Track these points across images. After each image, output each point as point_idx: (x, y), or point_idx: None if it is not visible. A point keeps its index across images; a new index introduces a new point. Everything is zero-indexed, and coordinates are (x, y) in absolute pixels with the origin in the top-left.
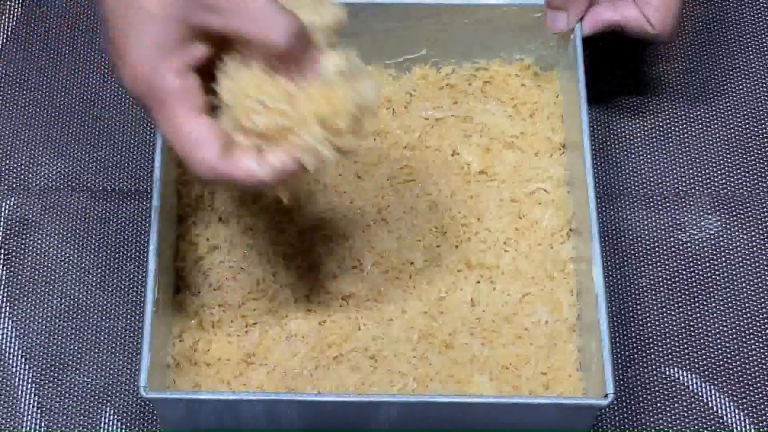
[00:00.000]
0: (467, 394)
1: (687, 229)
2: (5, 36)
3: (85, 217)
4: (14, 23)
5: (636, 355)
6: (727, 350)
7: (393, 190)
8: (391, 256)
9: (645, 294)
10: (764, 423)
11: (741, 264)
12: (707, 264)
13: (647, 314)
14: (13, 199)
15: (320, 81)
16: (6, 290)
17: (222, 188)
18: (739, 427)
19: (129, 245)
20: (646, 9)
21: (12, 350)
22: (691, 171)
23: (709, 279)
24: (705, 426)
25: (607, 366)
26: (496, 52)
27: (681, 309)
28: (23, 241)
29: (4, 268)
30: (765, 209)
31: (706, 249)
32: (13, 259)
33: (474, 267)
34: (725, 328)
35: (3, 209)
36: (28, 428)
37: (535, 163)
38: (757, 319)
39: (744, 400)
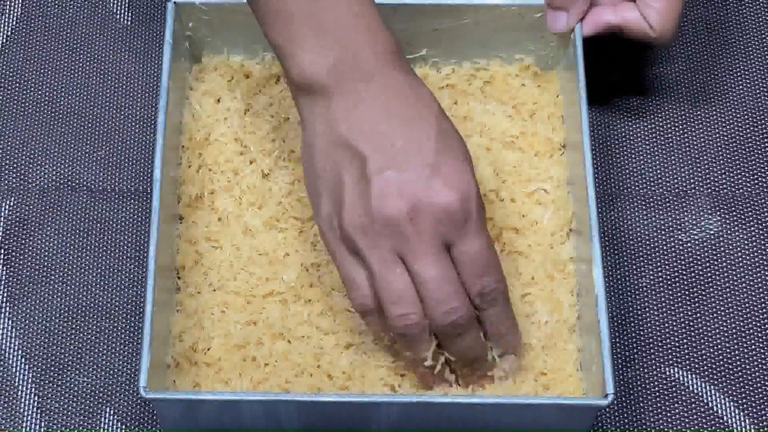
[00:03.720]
0: (467, 395)
1: (687, 229)
2: (5, 36)
3: (85, 217)
4: (14, 23)
5: (636, 355)
6: (727, 350)
7: None
8: None
9: (645, 294)
10: (764, 423)
11: (741, 264)
12: (707, 264)
13: (647, 314)
14: (13, 199)
15: None
16: (6, 290)
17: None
18: (739, 427)
19: (129, 245)
20: (647, 11)
21: (12, 350)
22: (691, 171)
23: (709, 279)
24: (705, 426)
25: (607, 366)
26: (496, 52)
27: (681, 309)
28: (23, 241)
29: (4, 268)
30: (765, 209)
31: (706, 249)
32: (13, 259)
33: None
34: (725, 328)
35: (3, 209)
36: (28, 428)
37: (535, 163)
38: (757, 319)
39: (744, 400)
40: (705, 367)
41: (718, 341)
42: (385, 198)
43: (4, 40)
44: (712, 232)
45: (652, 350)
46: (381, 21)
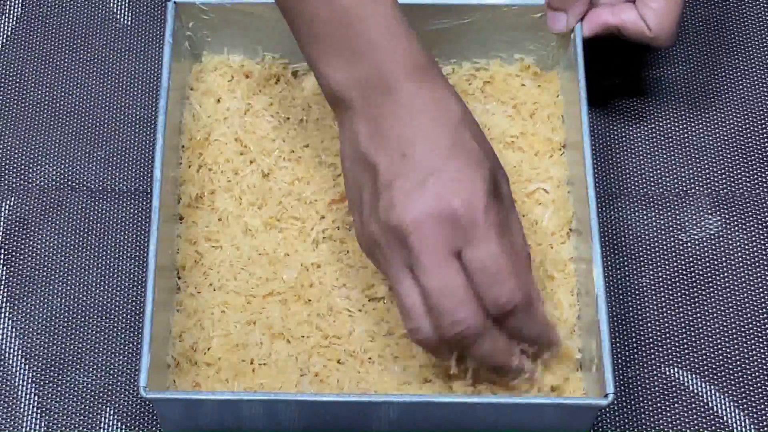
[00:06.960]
0: (467, 394)
1: (687, 229)
2: (5, 36)
3: (85, 217)
4: (14, 23)
5: (636, 355)
6: (727, 350)
7: None
8: None
9: (645, 294)
10: (764, 423)
11: (741, 264)
12: (707, 264)
13: (647, 314)
14: (13, 199)
15: None
16: (6, 290)
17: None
18: (739, 427)
19: (129, 245)
20: (646, 12)
21: (12, 350)
22: (691, 171)
23: (709, 279)
24: (705, 426)
25: (607, 366)
26: (496, 52)
27: (681, 309)
28: (23, 241)
29: (4, 268)
30: (765, 209)
31: (706, 249)
32: (13, 259)
33: None
34: (725, 328)
35: (3, 209)
36: (28, 428)
37: (535, 163)
38: (757, 319)
39: (744, 400)
40: (705, 367)
41: (718, 341)
42: (391, 210)
43: (4, 40)
44: (712, 232)
45: (652, 350)
46: (411, 35)
